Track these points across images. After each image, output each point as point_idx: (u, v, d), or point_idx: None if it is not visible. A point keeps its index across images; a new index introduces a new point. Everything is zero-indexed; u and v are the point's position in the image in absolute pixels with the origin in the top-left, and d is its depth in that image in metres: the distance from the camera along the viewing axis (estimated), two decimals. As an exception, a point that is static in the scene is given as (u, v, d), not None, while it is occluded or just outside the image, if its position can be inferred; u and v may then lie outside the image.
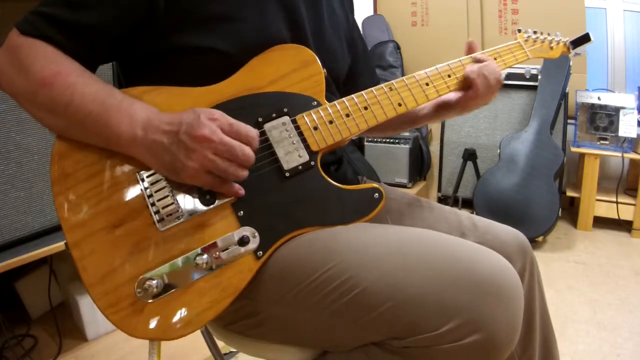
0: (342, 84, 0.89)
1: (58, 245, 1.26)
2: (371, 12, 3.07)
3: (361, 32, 1.01)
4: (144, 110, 0.65)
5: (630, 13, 2.49)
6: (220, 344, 0.89)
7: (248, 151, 0.63)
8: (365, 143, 2.73)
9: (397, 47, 2.97)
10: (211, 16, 0.70)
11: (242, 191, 0.67)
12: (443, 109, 0.89)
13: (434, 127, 2.92)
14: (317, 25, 0.82)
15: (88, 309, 1.48)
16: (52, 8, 0.66)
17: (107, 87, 0.66)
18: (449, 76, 0.82)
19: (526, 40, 0.94)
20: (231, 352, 1.46)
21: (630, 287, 1.92)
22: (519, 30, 0.95)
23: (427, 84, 0.80)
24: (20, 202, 1.24)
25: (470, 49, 0.87)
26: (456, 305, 0.57)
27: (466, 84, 0.83)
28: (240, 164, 0.63)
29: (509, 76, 2.46)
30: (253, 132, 0.64)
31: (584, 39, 0.98)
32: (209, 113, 0.62)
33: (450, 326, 0.56)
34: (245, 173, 0.64)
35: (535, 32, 0.96)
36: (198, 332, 0.87)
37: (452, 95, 0.85)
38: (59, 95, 0.64)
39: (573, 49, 0.99)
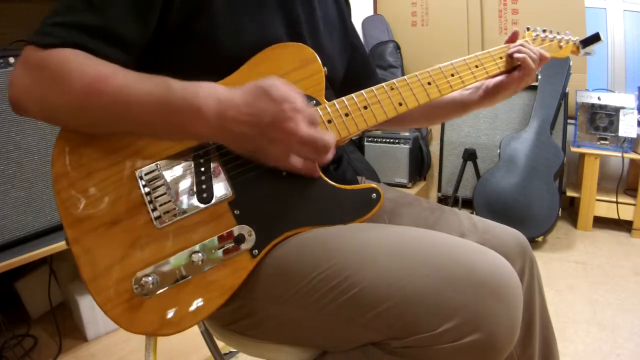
0: (339, 88, 0.89)
1: (58, 245, 1.26)
2: (371, 12, 3.07)
3: (361, 35, 1.01)
4: (211, 96, 0.60)
5: (630, 13, 2.50)
6: (220, 344, 0.89)
7: (327, 141, 0.62)
8: (365, 143, 2.73)
9: (397, 47, 2.97)
10: (213, 12, 0.69)
11: (318, 173, 0.70)
12: (493, 92, 0.90)
13: (434, 127, 2.92)
14: (313, 26, 0.82)
15: (88, 309, 1.48)
16: (69, 16, 0.61)
17: (159, 80, 0.61)
18: (452, 75, 0.82)
19: (534, 39, 0.93)
20: (231, 352, 1.46)
21: (630, 287, 1.92)
22: (528, 29, 0.94)
23: (429, 83, 0.80)
24: (20, 202, 1.24)
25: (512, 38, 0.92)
26: (455, 305, 0.57)
27: (512, 65, 0.88)
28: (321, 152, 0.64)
29: (509, 76, 2.45)
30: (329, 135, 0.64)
31: (594, 38, 0.97)
32: (291, 101, 0.60)
33: (450, 326, 0.56)
34: (326, 157, 0.65)
35: (544, 31, 0.95)
36: (198, 332, 0.87)
37: (500, 78, 0.89)
38: (113, 101, 0.59)
39: (582, 48, 0.99)
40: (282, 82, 0.62)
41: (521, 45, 0.88)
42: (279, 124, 0.60)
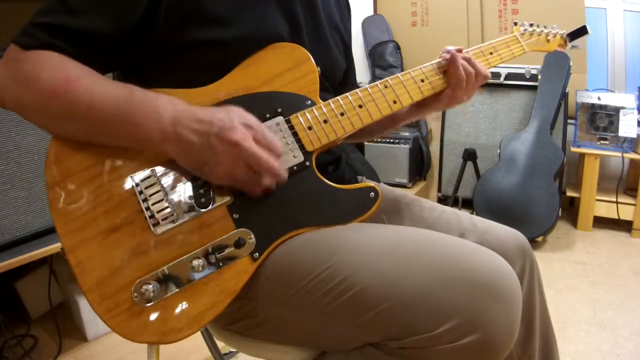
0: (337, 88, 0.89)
1: (58, 246, 1.26)
2: (371, 12, 3.07)
3: (361, 35, 1.00)
4: (170, 103, 0.63)
5: (630, 13, 2.49)
6: (220, 344, 0.89)
7: (273, 164, 0.64)
8: (365, 143, 2.73)
9: (397, 47, 2.97)
10: (213, 15, 0.69)
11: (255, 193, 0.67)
12: (425, 105, 0.87)
13: (434, 127, 2.92)
14: (313, 26, 0.82)
15: (88, 309, 1.46)
16: (50, 17, 0.63)
17: (124, 85, 0.64)
18: (445, 72, 0.82)
19: (522, 34, 0.94)
20: (231, 352, 1.46)
21: (630, 287, 1.92)
22: (515, 23, 0.95)
23: (422, 80, 0.80)
24: (20, 202, 1.24)
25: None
26: (454, 306, 0.57)
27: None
28: (266, 175, 0.65)
29: (509, 76, 2.46)
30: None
31: (581, 31, 0.99)
32: (247, 120, 0.63)
33: (448, 326, 0.56)
34: (269, 182, 0.65)
35: (531, 25, 0.96)
36: (198, 332, 0.87)
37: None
38: (76, 102, 0.62)
39: (570, 41, 1.00)
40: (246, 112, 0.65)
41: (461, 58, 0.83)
42: (225, 133, 0.60)
